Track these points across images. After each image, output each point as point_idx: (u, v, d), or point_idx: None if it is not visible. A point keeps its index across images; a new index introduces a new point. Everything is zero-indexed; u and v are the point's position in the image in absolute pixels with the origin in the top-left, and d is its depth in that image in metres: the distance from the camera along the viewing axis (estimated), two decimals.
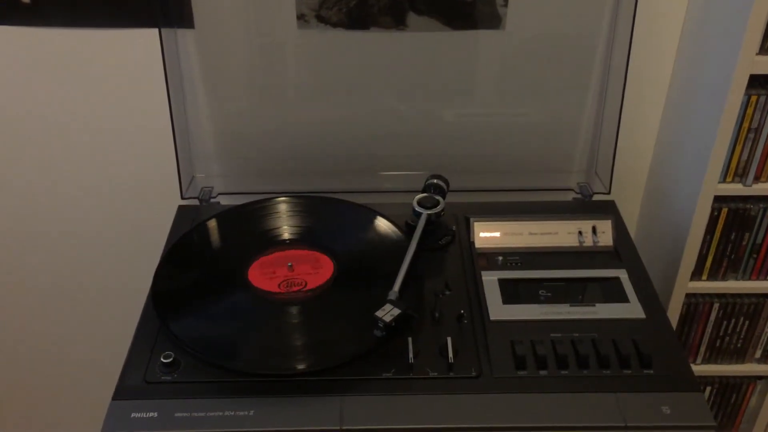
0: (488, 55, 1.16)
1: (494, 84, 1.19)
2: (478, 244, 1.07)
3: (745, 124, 1.07)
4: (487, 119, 1.21)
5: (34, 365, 1.56)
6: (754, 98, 1.05)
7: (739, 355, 1.30)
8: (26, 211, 1.35)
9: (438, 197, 1.08)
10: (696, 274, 1.21)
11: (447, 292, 0.98)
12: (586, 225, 1.07)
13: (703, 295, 1.24)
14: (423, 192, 1.10)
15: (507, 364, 0.88)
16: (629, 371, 0.87)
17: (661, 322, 0.95)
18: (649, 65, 1.22)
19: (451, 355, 0.87)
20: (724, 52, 1.05)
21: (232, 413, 0.82)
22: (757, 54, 1.01)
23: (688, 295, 1.23)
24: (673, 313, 1.24)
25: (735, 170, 1.12)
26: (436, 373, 0.87)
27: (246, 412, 0.82)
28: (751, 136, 1.08)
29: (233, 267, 1.01)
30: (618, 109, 1.14)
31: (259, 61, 1.16)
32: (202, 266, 1.03)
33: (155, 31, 1.09)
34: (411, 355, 0.87)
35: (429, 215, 1.05)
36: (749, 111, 1.06)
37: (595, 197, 1.20)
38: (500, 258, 1.04)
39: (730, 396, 1.36)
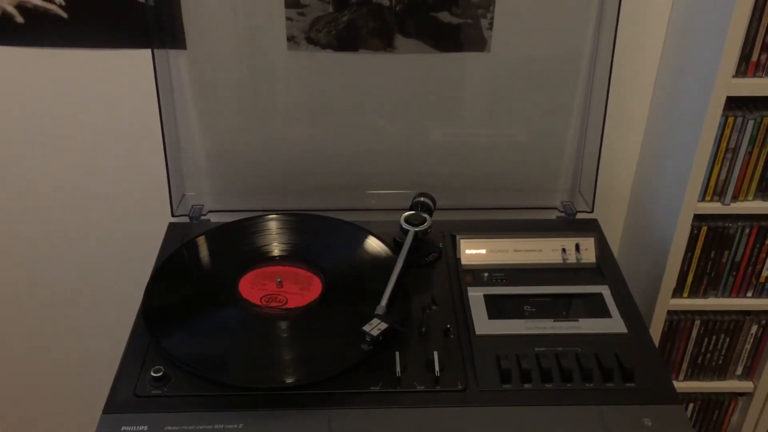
0: (474, 77, 1.18)
1: (480, 105, 1.21)
2: (464, 261, 1.08)
3: (723, 145, 1.10)
4: (473, 139, 1.23)
5: (24, 378, 1.56)
6: (731, 119, 1.08)
7: (721, 371, 1.32)
8: (17, 227, 1.36)
9: (425, 215, 1.09)
10: (677, 292, 1.23)
11: (434, 308, 1.00)
12: (569, 242, 1.09)
13: (684, 312, 1.26)
14: (410, 210, 1.11)
15: (492, 377, 0.89)
16: (611, 384, 0.89)
17: (643, 336, 0.96)
18: (630, 87, 1.25)
19: (437, 368, 0.88)
20: (701, 75, 1.08)
21: (222, 426, 0.83)
22: (733, 77, 1.04)
23: (669, 312, 1.25)
24: (655, 330, 1.26)
25: (714, 189, 1.14)
26: (423, 387, 0.88)
27: (235, 426, 0.83)
28: (729, 156, 1.11)
29: (222, 283, 1.02)
30: (600, 129, 1.17)
31: (249, 82, 1.18)
32: (191, 282, 1.04)
33: (148, 51, 1.11)
34: (398, 369, 0.88)
35: (416, 232, 1.06)
36: (726, 132, 1.09)
37: (579, 215, 1.22)
38: (486, 274, 1.06)
39: (712, 413, 1.38)
